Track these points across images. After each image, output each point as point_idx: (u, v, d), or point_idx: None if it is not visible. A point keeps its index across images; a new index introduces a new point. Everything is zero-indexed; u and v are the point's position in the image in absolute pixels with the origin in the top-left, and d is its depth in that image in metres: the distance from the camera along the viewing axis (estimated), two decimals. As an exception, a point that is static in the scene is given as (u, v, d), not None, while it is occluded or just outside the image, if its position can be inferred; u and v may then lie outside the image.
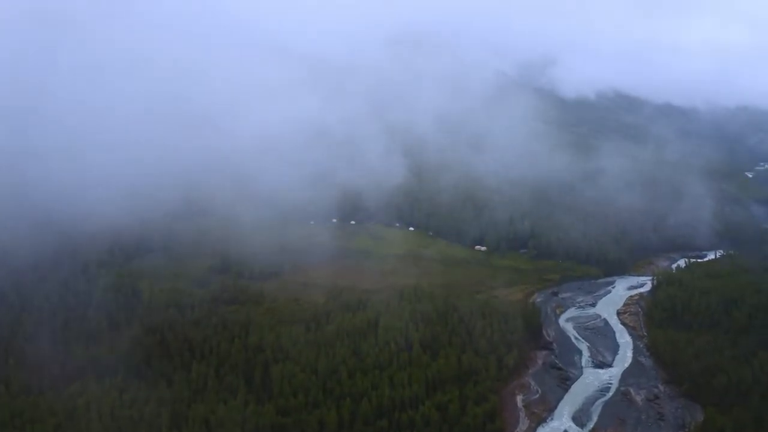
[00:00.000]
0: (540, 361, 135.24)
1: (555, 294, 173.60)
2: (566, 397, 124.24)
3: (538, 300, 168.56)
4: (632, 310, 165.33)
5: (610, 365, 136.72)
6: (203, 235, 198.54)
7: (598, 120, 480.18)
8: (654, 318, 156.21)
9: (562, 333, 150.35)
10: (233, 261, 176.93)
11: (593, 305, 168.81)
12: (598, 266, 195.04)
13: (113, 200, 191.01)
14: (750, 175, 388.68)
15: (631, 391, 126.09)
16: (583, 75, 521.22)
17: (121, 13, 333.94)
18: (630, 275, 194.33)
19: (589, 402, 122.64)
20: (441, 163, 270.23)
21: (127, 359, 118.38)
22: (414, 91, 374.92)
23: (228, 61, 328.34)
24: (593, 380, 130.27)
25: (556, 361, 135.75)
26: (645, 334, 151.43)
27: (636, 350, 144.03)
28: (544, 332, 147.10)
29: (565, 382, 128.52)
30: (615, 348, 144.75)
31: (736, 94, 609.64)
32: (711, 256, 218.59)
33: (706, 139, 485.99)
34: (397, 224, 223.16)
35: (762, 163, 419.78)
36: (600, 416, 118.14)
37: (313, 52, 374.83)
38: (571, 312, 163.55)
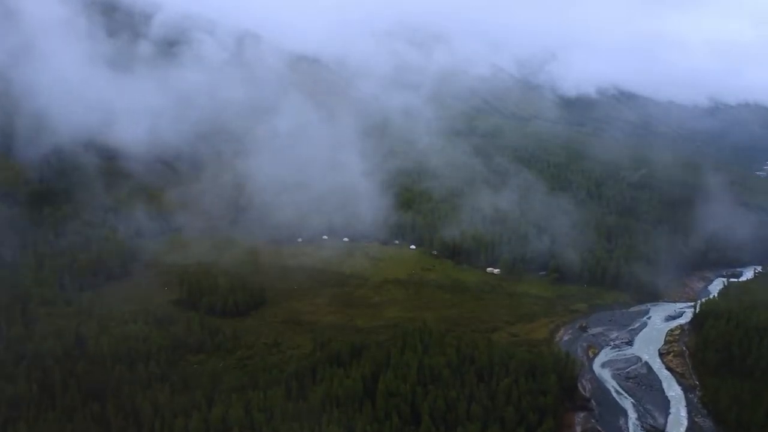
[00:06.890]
0: (579, 429, 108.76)
1: (584, 329, 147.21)
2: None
3: (566, 338, 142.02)
4: (676, 349, 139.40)
5: (663, 430, 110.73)
6: (167, 257, 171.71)
7: (600, 118, 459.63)
8: (705, 362, 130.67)
9: (599, 385, 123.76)
10: (204, 291, 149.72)
11: (630, 343, 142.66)
12: (628, 291, 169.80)
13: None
14: (762, 174, 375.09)
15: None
16: (584, 71, 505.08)
17: None
18: (664, 301, 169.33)
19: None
20: (441, 167, 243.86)
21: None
22: (408, 88, 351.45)
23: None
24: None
25: (599, 428, 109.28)
26: (697, 383, 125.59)
27: (690, 406, 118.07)
28: (580, 386, 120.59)
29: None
30: (665, 405, 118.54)
31: (740, 91, 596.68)
32: (748, 273, 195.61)
33: (710, 137, 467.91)
34: (396, 241, 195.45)
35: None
36: None
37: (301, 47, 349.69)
38: (606, 354, 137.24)
